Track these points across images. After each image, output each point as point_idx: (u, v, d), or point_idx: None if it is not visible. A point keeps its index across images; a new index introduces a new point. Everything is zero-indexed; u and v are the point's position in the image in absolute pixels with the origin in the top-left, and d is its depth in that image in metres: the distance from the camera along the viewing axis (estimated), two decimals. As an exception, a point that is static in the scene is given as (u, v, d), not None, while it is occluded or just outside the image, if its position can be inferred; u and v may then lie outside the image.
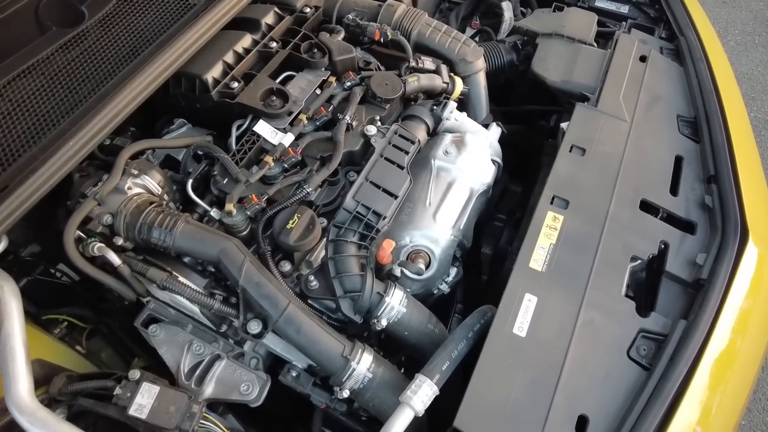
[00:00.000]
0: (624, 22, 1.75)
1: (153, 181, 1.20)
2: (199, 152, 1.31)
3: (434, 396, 1.00)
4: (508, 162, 1.78)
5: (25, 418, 0.91)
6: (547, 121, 1.75)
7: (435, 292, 1.31)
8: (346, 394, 1.05)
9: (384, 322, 1.13)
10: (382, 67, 1.50)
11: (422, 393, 0.98)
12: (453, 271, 1.35)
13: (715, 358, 1.03)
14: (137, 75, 1.17)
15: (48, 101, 1.13)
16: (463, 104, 1.57)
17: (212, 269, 1.19)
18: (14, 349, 0.97)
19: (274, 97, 1.30)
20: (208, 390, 1.14)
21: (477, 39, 1.89)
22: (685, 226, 1.24)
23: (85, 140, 1.09)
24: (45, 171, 1.03)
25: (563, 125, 1.39)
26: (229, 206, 1.14)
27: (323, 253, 1.22)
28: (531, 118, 1.82)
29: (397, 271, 1.23)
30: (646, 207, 1.25)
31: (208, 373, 1.15)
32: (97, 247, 1.09)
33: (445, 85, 1.47)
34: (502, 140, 1.53)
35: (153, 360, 1.29)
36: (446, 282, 1.32)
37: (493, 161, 1.42)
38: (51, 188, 1.06)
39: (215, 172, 1.22)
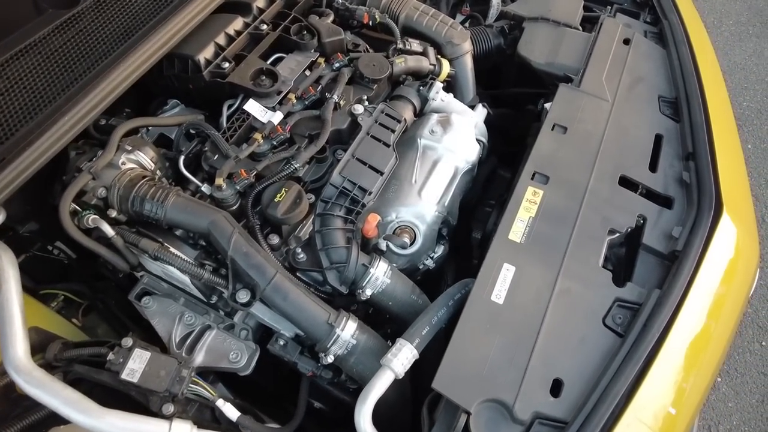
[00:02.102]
0: (610, 7, 1.78)
1: (146, 157, 1.24)
2: (192, 131, 1.35)
3: (414, 360, 1.04)
4: (498, 147, 1.82)
5: (22, 378, 0.96)
6: (536, 106, 1.78)
7: (420, 267, 1.35)
8: (330, 359, 1.09)
9: (369, 292, 1.17)
10: (370, 50, 1.54)
11: (402, 356, 1.02)
12: (440, 249, 1.39)
13: (688, 325, 1.07)
14: (130, 54, 1.21)
15: (44, 79, 1.17)
16: (451, 86, 1.60)
17: (203, 243, 1.23)
18: (11, 313, 1.01)
19: (264, 77, 1.34)
20: (199, 358, 1.18)
21: (467, 25, 1.93)
22: (663, 201, 1.27)
23: (80, 116, 1.13)
24: (40, 145, 1.07)
25: (546, 105, 1.42)
26: (219, 180, 1.18)
27: (311, 227, 1.26)
28: (520, 102, 1.85)
29: (383, 245, 1.27)
30: (626, 183, 1.29)
31: (198, 343, 1.19)
32: (91, 219, 1.13)
33: (432, 66, 1.50)
34: (489, 122, 1.56)
35: (147, 335, 1.33)
36: (432, 258, 1.36)
37: (478, 141, 1.45)
38: (46, 162, 1.10)
39: (206, 149, 1.25)
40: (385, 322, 1.31)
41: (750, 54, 3.49)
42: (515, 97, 1.85)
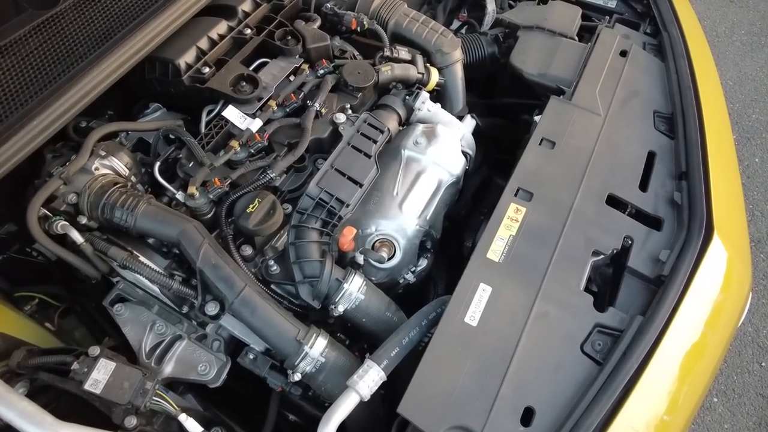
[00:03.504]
0: (609, 17, 1.73)
1: (120, 163, 1.21)
2: (171, 136, 1.32)
3: (381, 381, 1.00)
4: (493, 156, 1.78)
5: (-24, 388, 0.93)
6: (530, 115, 1.74)
7: (401, 281, 1.31)
8: (297, 377, 1.06)
9: (341, 308, 1.14)
10: (358, 56, 1.50)
11: (369, 378, 0.99)
12: (423, 262, 1.35)
13: (670, 354, 1.02)
14: (106, 57, 1.18)
15: (17, 81, 1.15)
16: (440, 95, 1.56)
17: (176, 251, 1.20)
18: (-28, 321, 0.99)
19: (244, 83, 1.31)
20: (167, 369, 1.15)
21: (463, 31, 1.89)
22: (652, 222, 1.22)
23: (51, 120, 1.10)
24: (8, 149, 1.05)
25: (536, 118, 1.38)
26: (192, 189, 1.16)
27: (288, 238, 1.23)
28: (514, 112, 1.80)
29: (360, 259, 1.23)
30: (614, 202, 1.24)
31: (168, 353, 1.17)
32: (60, 225, 1.11)
33: (420, 75, 1.46)
34: (477, 132, 1.52)
35: (124, 340, 1.31)
36: (412, 272, 1.32)
37: (465, 153, 1.41)
38: (15, 166, 1.08)
39: (181, 156, 1.23)
40: (362, 335, 1.27)
41: (762, 65, 3.40)
42: (509, 107, 1.81)
